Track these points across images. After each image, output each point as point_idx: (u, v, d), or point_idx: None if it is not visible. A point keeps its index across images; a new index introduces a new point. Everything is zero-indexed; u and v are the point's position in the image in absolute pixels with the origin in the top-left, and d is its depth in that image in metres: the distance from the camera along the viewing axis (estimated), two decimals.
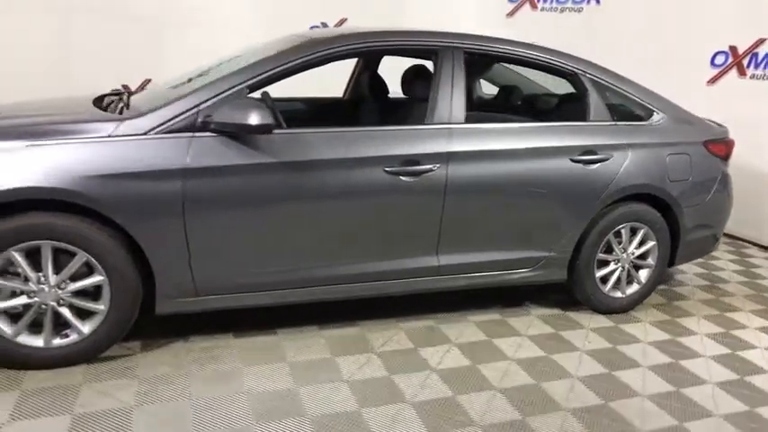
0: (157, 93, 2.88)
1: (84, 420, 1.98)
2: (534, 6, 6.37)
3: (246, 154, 2.30)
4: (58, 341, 2.24)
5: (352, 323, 2.82)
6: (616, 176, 2.94)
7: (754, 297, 3.65)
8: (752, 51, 4.79)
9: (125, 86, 5.81)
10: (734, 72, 4.92)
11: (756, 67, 4.78)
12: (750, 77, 4.81)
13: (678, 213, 3.15)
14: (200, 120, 2.27)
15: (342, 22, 6.61)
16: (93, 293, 2.26)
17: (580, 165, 2.88)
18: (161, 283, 2.31)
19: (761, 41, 4.73)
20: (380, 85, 3.64)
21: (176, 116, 2.26)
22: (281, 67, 2.43)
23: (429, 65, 2.94)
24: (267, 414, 2.09)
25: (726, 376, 2.64)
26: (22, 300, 2.17)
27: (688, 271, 4.01)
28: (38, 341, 2.22)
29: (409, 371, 2.45)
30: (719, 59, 5.02)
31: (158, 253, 2.26)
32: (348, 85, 3.99)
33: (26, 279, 2.16)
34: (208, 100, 2.30)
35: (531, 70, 3.52)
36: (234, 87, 2.34)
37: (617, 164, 2.95)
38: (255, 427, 2.01)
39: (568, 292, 3.18)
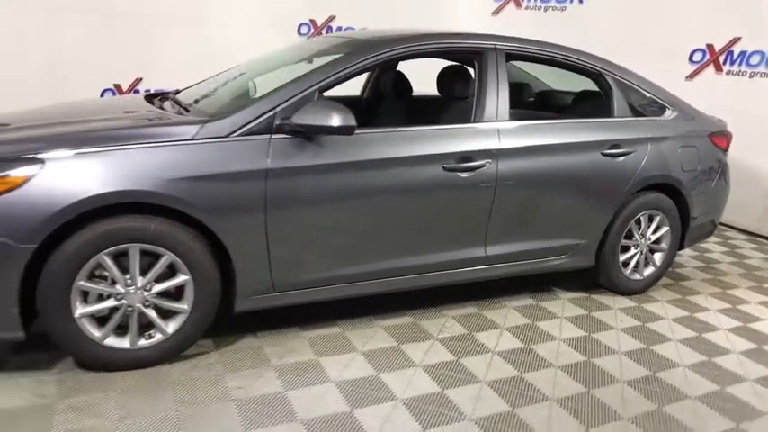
0: (209, 94, 2.93)
1: (198, 415, 2.04)
2: (519, 5, 6.63)
3: (321, 154, 2.40)
4: (143, 342, 2.28)
5: (404, 313, 2.95)
6: (639, 168, 3.19)
7: (747, 275, 4.02)
8: (728, 49, 5.19)
9: (117, 86, 5.74)
10: (711, 68, 5.32)
11: (732, 63, 5.18)
12: (726, 73, 5.21)
13: (688, 201, 3.44)
14: (277, 122, 2.35)
15: (330, 19, 6.68)
16: (174, 294, 2.31)
17: (609, 158, 3.11)
18: (242, 281, 2.38)
19: (736, 40, 5.13)
20: (404, 84, 3.76)
21: (255, 119, 2.33)
22: (348, 70, 2.53)
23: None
24: (362, 400, 2.21)
25: (746, 345, 2.93)
26: (110, 303, 2.20)
27: (683, 254, 4.34)
28: (124, 343, 2.26)
29: (472, 354, 2.62)
30: (697, 56, 5.41)
31: (241, 252, 2.33)
32: (367, 83, 4.09)
33: (113, 282, 2.19)
34: (282, 103, 2.37)
35: (535, 68, 3.74)
36: (306, 90, 2.43)
37: (639, 157, 3.20)
38: (355, 412, 2.13)
39: (591, 277, 3.42)
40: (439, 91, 3.23)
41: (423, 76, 3.75)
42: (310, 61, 3.16)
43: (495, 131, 2.80)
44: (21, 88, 5.02)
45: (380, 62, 2.64)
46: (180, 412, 2.05)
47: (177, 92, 3.26)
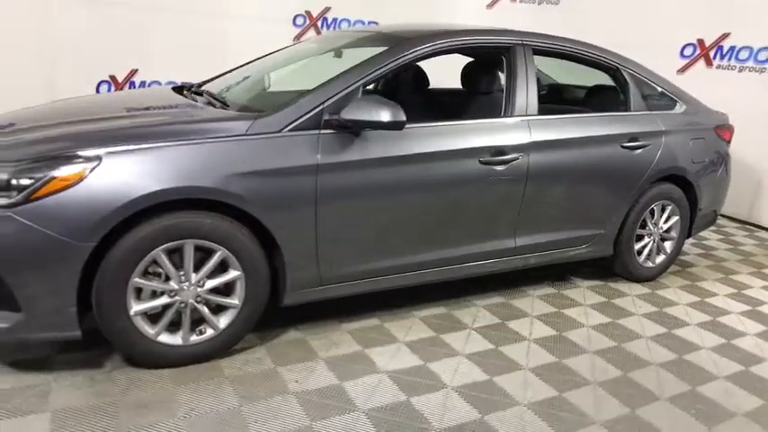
0: (245, 87, 2.92)
1: (263, 409, 2.06)
2: None
3: (368, 149, 2.42)
4: (194, 338, 2.28)
5: (436, 303, 3.02)
6: (654, 160, 3.32)
7: (744, 261, 4.21)
8: (718, 44, 5.38)
9: (112, 77, 5.61)
10: (701, 62, 5.51)
11: (722, 58, 5.38)
12: (716, 67, 5.41)
13: (697, 191, 3.59)
14: (325, 117, 2.36)
15: (326, 10, 6.64)
16: (222, 289, 2.31)
17: (628, 150, 3.22)
18: (291, 275, 2.39)
19: (725, 36, 5.33)
20: (423, 78, 3.80)
21: (304, 114, 2.34)
22: (391, 65, 2.56)
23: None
24: (416, 389, 2.26)
25: (759, 328, 3.10)
26: (164, 299, 2.19)
27: (685, 242, 4.51)
28: (176, 339, 2.25)
29: (509, 342, 2.70)
30: (688, 51, 5.59)
31: (291, 246, 2.34)
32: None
33: (166, 278, 2.19)
34: (329, 98, 2.39)
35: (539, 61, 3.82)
36: (351, 85, 2.44)
37: (655, 149, 3.32)
38: (413, 401, 2.19)
39: (607, 266, 3.54)
40: (464, 85, 3.29)
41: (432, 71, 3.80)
42: (339, 55, 3.19)
43: (527, 125, 2.87)
44: (14, 80, 4.87)
45: (419, 57, 2.67)
46: (244, 407, 2.07)
47: (202, 84, 3.23)
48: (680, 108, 3.57)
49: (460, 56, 3.26)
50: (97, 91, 5.49)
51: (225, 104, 2.61)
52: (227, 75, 3.35)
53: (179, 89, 3.05)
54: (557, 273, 3.57)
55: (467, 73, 3.18)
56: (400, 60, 2.60)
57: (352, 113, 2.33)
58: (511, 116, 2.87)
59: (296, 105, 2.35)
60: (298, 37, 6.62)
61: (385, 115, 2.31)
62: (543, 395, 2.31)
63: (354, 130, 2.40)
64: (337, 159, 2.36)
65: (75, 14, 5.13)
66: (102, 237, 1.99)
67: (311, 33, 6.63)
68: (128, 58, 5.60)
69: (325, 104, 2.38)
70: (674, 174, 3.45)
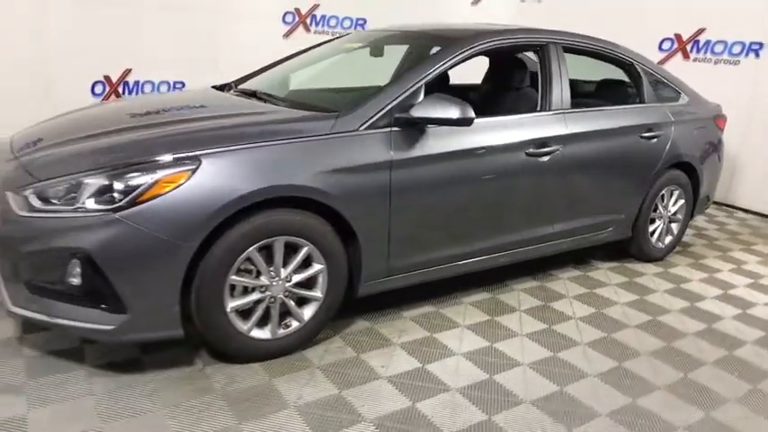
0: (295, 87, 2.99)
1: (365, 395, 2.17)
2: None
3: (434, 144, 2.56)
4: (281, 331, 2.36)
5: (479, 289, 3.19)
6: (666, 149, 3.59)
7: (733, 239, 4.59)
8: (694, 39, 5.77)
9: (107, 78, 5.49)
10: (679, 56, 5.89)
11: (698, 51, 5.77)
12: (693, 60, 5.80)
13: (700, 176, 3.90)
14: (395, 115, 2.47)
15: (314, 8, 6.68)
16: (305, 283, 2.40)
17: (645, 140, 3.47)
18: (366, 266, 2.50)
19: (701, 30, 5.72)
20: (445, 75, 3.94)
21: (377, 113, 2.45)
22: (447, 63, 2.71)
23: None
24: (495, 367, 2.42)
25: (766, 299, 3.42)
26: (256, 295, 2.27)
27: None
28: (265, 333, 2.33)
29: (559, 321, 2.90)
30: (666, 45, 5.97)
31: (368, 239, 2.45)
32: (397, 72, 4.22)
33: (257, 275, 2.26)
34: (398, 97, 2.51)
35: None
36: (416, 84, 2.57)
37: (666, 139, 3.59)
38: (496, 378, 2.35)
39: (625, 248, 3.80)
40: (494, 82, 3.46)
41: None
42: (379, 54, 3.32)
43: (563, 118, 3.07)
44: (10, 82, 4.71)
45: (469, 56, 2.81)
46: (344, 392, 2.18)
47: (239, 82, 3.29)
48: (683, 99, 3.86)
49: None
50: (92, 92, 5.37)
51: (295, 104, 2.67)
52: (263, 74, 3.41)
53: (220, 89, 3.10)
54: (576, 256, 3.81)
55: (495, 70, 3.35)
56: (455, 59, 2.74)
57: (422, 111, 2.46)
58: (549, 110, 3.06)
59: (369, 104, 2.46)
60: (287, 34, 6.64)
61: (454, 112, 2.44)
62: (608, 366, 2.52)
63: (420, 127, 2.53)
64: (408, 155, 2.49)
65: (68, 15, 4.99)
66: (204, 236, 2.05)
67: (300, 30, 6.67)
68: (120, 57, 5.49)
69: (393, 103, 2.49)
70: (681, 161, 3.74)
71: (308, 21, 6.71)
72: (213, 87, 3.22)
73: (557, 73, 3.11)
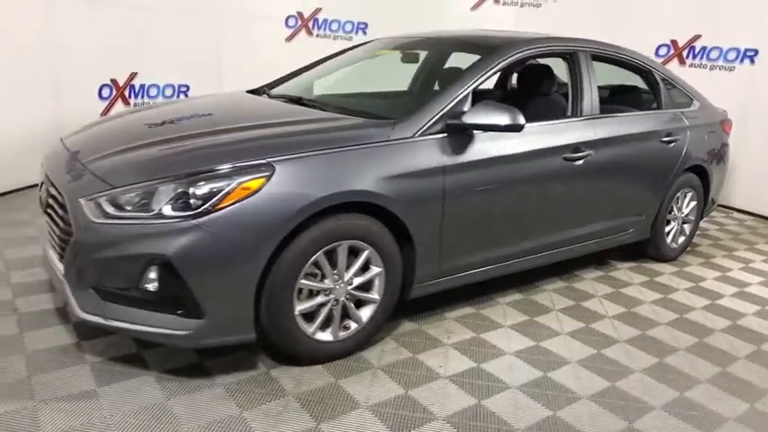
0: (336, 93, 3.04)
1: (431, 394, 2.24)
2: (497, 1, 7.07)
3: (484, 149, 2.64)
4: (342, 333, 2.41)
5: (512, 291, 3.28)
6: (683, 153, 3.74)
7: (735, 239, 4.79)
8: (690, 45, 5.99)
9: (113, 81, 5.43)
10: (675, 62, 6.09)
11: (694, 57, 5.99)
12: (689, 66, 6.01)
13: (710, 179, 4.07)
14: (447, 122, 2.55)
15: (316, 11, 6.72)
16: (363, 286, 2.45)
17: (665, 144, 3.62)
18: (419, 269, 2.57)
19: (697, 37, 5.93)
20: None
21: (430, 120, 2.52)
22: (491, 71, 2.79)
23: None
24: (545, 365, 2.51)
25: None
26: (321, 298, 2.31)
27: None
28: (327, 336, 2.37)
29: (594, 320, 3.01)
30: (663, 51, 6.17)
31: (422, 242, 2.52)
32: (416, 79, 4.29)
33: (322, 278, 2.30)
34: (449, 104, 2.58)
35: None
36: (464, 91, 2.65)
37: (683, 143, 3.74)
38: (550, 375, 2.44)
39: (642, 248, 3.93)
40: (521, 87, 3.56)
41: None
42: (413, 60, 3.40)
43: (593, 123, 3.19)
44: (16, 87, 4.62)
45: (509, 64, 2.91)
46: (411, 392, 2.24)
47: (271, 86, 3.33)
48: (695, 105, 4.02)
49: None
50: (99, 96, 5.30)
51: (345, 111, 2.71)
52: (298, 78, 3.47)
53: (256, 93, 3.15)
54: (596, 258, 3.93)
55: (524, 76, 3.45)
56: (497, 67, 2.83)
57: (474, 118, 2.53)
58: (580, 116, 3.17)
59: (422, 112, 2.53)
60: (290, 38, 6.67)
61: (506, 118, 2.52)
62: (650, 362, 2.63)
63: (469, 133, 2.61)
64: (460, 160, 2.56)
65: (75, 19, 4.92)
66: (280, 241, 2.08)
67: (303, 34, 6.71)
68: (125, 61, 5.44)
69: (445, 110, 2.57)
70: (695, 164, 3.90)
71: (311, 24, 6.75)
72: (248, 92, 3.25)
73: (587, 80, 3.23)
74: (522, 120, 2.55)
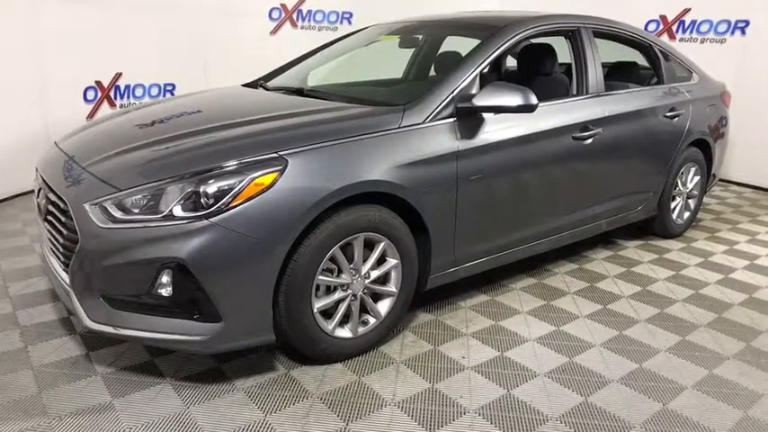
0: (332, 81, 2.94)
1: (457, 386, 2.17)
2: None
3: (496, 131, 2.57)
4: (361, 329, 2.34)
5: (523, 276, 3.22)
6: (686, 127, 3.70)
7: (737, 212, 4.78)
8: (679, 19, 5.95)
9: (98, 83, 5.26)
10: (665, 37, 6.06)
11: (684, 32, 5.96)
12: (679, 40, 5.98)
13: (713, 153, 4.04)
14: (457, 105, 2.47)
15: (300, 2, 6.57)
16: (379, 279, 2.38)
17: (668, 119, 3.57)
18: (435, 258, 2.50)
19: (686, 11, 5.90)
20: None
21: (440, 104, 2.44)
22: (496, 52, 2.71)
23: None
24: (569, 350, 2.46)
25: None
26: (339, 294, 2.23)
27: None
28: (346, 332, 2.30)
29: (611, 301, 2.96)
30: (652, 26, 6.13)
31: (437, 230, 2.45)
32: (412, 64, 4.19)
33: (339, 273, 2.22)
34: (457, 87, 2.50)
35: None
36: (472, 73, 2.57)
37: (686, 117, 3.70)
38: (576, 359, 2.38)
39: (648, 226, 3.90)
40: (522, 67, 3.48)
41: None
42: (413, 44, 3.30)
43: (599, 101, 3.13)
44: (3, 92, 4.45)
45: (514, 44, 2.83)
46: (439, 386, 2.17)
47: (266, 79, 3.22)
48: (695, 78, 3.98)
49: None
50: (84, 98, 5.14)
51: (349, 99, 2.63)
52: (294, 69, 3.36)
53: (252, 86, 3.05)
54: (602, 237, 3.89)
55: (525, 56, 3.38)
56: (503, 47, 2.75)
57: (485, 100, 2.45)
58: (586, 93, 3.11)
59: (431, 96, 2.44)
60: (274, 31, 6.52)
61: (518, 99, 2.44)
62: (673, 340, 2.59)
63: (479, 115, 2.53)
64: (472, 144, 2.48)
65: (57, 21, 4.75)
66: (297, 236, 2.00)
67: (287, 26, 6.56)
68: (109, 62, 5.28)
69: (454, 93, 2.49)
70: (698, 138, 3.86)
71: (295, 16, 6.61)
72: (244, 85, 3.14)
73: (590, 57, 3.16)
74: (534, 99, 2.48)
